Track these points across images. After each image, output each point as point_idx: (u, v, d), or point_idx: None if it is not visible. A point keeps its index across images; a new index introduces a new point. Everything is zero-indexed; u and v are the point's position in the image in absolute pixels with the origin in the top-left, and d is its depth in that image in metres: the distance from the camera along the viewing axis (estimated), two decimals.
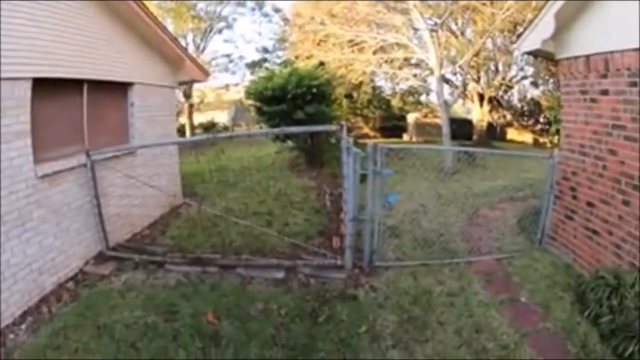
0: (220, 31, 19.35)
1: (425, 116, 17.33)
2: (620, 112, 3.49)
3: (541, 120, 15.32)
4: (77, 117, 4.21)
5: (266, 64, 15.90)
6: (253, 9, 19.94)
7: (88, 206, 4.22)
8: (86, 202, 4.20)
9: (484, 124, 14.73)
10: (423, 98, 18.52)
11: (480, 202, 6.49)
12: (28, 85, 3.35)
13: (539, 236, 4.55)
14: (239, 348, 2.94)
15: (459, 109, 20.74)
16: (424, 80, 13.94)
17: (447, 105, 10.50)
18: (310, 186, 7.48)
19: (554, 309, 3.21)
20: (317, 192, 7.04)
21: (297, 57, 11.63)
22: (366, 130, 18.09)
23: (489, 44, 12.21)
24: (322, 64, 9.72)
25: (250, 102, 9.67)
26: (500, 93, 15.26)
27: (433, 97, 17.88)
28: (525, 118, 16.68)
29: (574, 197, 4.12)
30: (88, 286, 3.80)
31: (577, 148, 4.11)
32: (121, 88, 5.02)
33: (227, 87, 21.36)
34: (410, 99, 17.89)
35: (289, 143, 9.52)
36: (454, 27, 12.27)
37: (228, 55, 20.33)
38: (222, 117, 22.76)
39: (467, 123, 15.77)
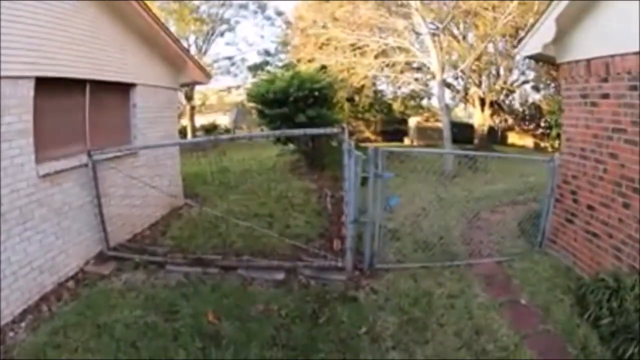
0: (222, 34, 19.49)
1: (427, 120, 17.36)
2: (621, 115, 3.50)
3: (542, 124, 15.35)
4: (79, 117, 4.23)
5: (268, 67, 15.99)
6: (255, 12, 20.10)
7: (89, 206, 4.24)
8: (87, 201, 4.21)
9: (485, 128, 14.76)
10: (424, 102, 18.61)
11: (481, 205, 6.49)
12: (31, 84, 3.37)
13: (539, 239, 4.55)
14: (239, 348, 2.93)
15: (460, 113, 20.80)
16: (426, 84, 14.00)
17: (448, 109, 10.53)
18: (311, 189, 7.49)
19: (554, 311, 3.21)
20: (318, 195, 7.05)
21: (299, 61, 11.68)
22: (367, 134, 18.13)
23: (491, 49, 12.25)
24: (324, 67, 9.76)
25: (252, 104, 9.70)
26: (502, 97, 15.30)
27: (434, 101, 17.97)
28: (527, 122, 16.71)
29: (575, 201, 4.13)
30: (88, 285, 3.80)
31: (577, 152, 4.11)
32: (123, 89, 5.05)
33: (229, 89, 21.44)
34: (412, 103, 17.95)
35: (290, 146, 9.54)
36: (455, 31, 12.33)
37: (230, 58, 20.44)
38: (223, 120, 22.87)
39: (469, 127, 15.81)
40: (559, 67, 4.45)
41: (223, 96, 22.27)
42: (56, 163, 3.76)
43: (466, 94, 14.50)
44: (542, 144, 14.35)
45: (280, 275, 4.02)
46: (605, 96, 3.69)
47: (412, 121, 18.04)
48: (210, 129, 19.84)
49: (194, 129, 18.97)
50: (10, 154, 3.20)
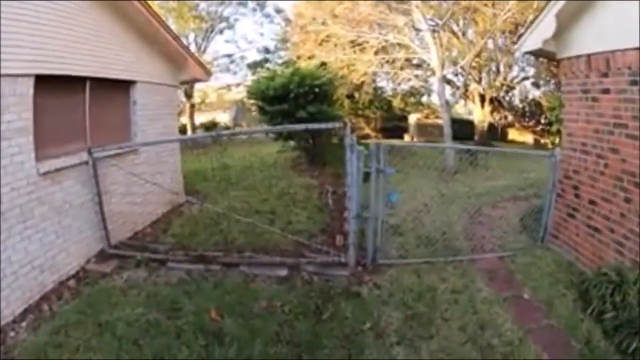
0: (221, 31, 19.40)
1: (427, 117, 17.34)
2: (622, 110, 3.50)
3: (542, 120, 15.35)
4: (79, 114, 4.21)
5: (268, 65, 15.91)
6: (254, 10, 20.00)
7: (90, 204, 4.22)
8: (88, 199, 4.19)
9: (485, 124, 14.75)
10: (424, 99, 18.57)
11: (483, 201, 6.49)
12: (30, 82, 3.35)
13: (541, 234, 4.55)
14: (242, 345, 2.92)
15: (460, 110, 20.78)
16: (426, 81, 13.97)
17: (448, 105, 10.51)
18: (312, 185, 7.47)
19: (557, 306, 3.21)
20: (320, 191, 7.03)
21: (298, 58, 11.64)
22: (367, 130, 18.09)
23: (490, 45, 12.22)
24: (323, 64, 9.72)
25: (252, 101, 9.67)
26: (502, 94, 15.28)
27: (434, 98, 17.95)
28: (527, 119, 16.70)
29: (576, 195, 4.13)
30: (89, 284, 3.79)
31: (578, 147, 4.11)
32: (123, 86, 5.02)
33: (228, 87, 21.37)
34: (412, 99, 17.92)
35: (291, 143, 9.51)
36: (455, 28, 12.29)
37: (229, 56, 20.37)
38: (223, 118, 22.80)
39: (469, 124, 15.80)
40: (559, 63, 4.44)
41: (223, 94, 22.20)
42: (56, 161, 3.74)
43: (466, 90, 14.49)
44: (543, 141, 14.34)
45: (283, 272, 4.01)
46: (606, 91, 3.68)
47: (412, 118, 18.02)
48: (210, 126, 19.75)
49: (193, 127, 18.91)
50: (10, 152, 3.18)
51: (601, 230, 3.69)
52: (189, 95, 18.51)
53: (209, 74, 6.90)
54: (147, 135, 5.38)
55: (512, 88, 15.69)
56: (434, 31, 9.47)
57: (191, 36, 17.90)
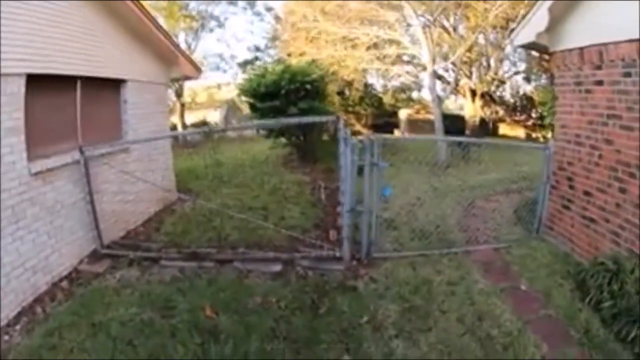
0: (211, 30, 19.22)
1: (417, 112, 17.38)
2: (615, 102, 3.53)
3: (533, 115, 15.47)
4: (70, 113, 4.13)
5: (258, 62, 15.82)
6: (245, 8, 19.85)
7: (81, 203, 4.14)
8: (80, 199, 4.11)
9: (477, 119, 14.81)
10: (415, 95, 18.59)
11: (476, 194, 6.52)
12: (22, 81, 3.28)
13: (536, 226, 4.58)
14: (238, 342, 2.88)
15: (451, 106, 20.87)
16: (416, 77, 13.98)
17: (440, 100, 10.53)
18: (304, 181, 7.45)
19: (554, 297, 3.23)
20: (312, 187, 7.00)
21: (289, 55, 11.56)
22: (358, 127, 18.03)
23: (481, 40, 12.28)
24: (314, 61, 9.67)
25: (243, 99, 9.59)
26: (493, 88, 15.36)
27: (425, 94, 18.02)
28: (518, 113, 16.83)
29: (571, 187, 4.16)
30: (82, 285, 3.72)
31: (572, 138, 4.14)
32: (114, 85, 4.94)
33: (218, 86, 21.20)
34: (402, 95, 17.93)
35: (282, 139, 9.46)
36: (446, 24, 12.31)
37: (220, 54, 20.21)
38: (214, 117, 22.61)
39: (460, 119, 15.84)
40: (552, 56, 4.46)
41: (213, 93, 22.01)
42: (48, 160, 3.66)
43: (457, 85, 14.54)
44: (534, 135, 14.49)
45: (277, 267, 3.98)
46: (600, 83, 3.71)
47: (403, 114, 18.05)
48: (201, 125, 19.59)
49: (184, 126, 18.70)
50: (1, 152, 3.10)
51: (596, 221, 3.73)
52: (179, 95, 18.33)
53: (199, 71, 6.82)
54: (139, 134, 5.30)
55: (503, 83, 15.79)
56: (425, 26, 9.47)
57: (181, 35, 17.73)
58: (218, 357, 2.75)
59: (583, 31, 3.81)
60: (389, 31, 10.04)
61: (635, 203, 3.25)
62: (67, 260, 3.88)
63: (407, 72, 13.34)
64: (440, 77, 13.71)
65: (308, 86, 8.13)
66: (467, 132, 15.06)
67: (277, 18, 17.67)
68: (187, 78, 7.18)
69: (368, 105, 16.90)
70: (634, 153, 3.29)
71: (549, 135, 10.24)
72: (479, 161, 8.80)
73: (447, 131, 10.29)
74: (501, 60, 14.43)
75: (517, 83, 17.00)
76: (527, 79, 16.14)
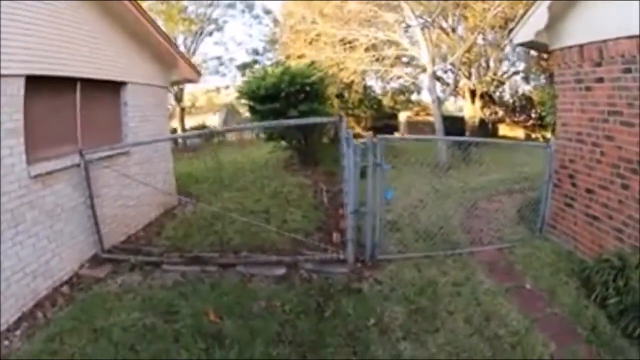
0: (210, 33, 19.28)
1: (417, 114, 17.42)
2: (616, 98, 3.53)
3: (533, 115, 15.49)
4: (70, 116, 4.11)
5: (257, 66, 15.86)
6: (243, 11, 19.95)
7: (82, 207, 4.11)
8: (80, 203, 4.08)
9: (476, 120, 14.84)
10: (414, 97, 18.64)
11: (478, 195, 6.51)
12: (21, 82, 3.26)
13: (539, 225, 4.57)
14: (243, 347, 2.85)
15: (451, 107, 20.92)
16: (415, 78, 13.99)
17: (440, 101, 10.52)
18: (306, 184, 7.42)
19: (559, 295, 3.21)
20: (314, 190, 6.98)
21: (288, 57, 11.57)
22: (358, 130, 18.08)
23: (480, 41, 12.31)
24: (313, 63, 9.69)
25: (243, 101, 9.59)
26: (492, 89, 15.38)
27: (424, 96, 18.06)
28: (517, 114, 16.85)
29: (573, 185, 4.15)
30: (83, 289, 3.68)
31: (574, 136, 4.14)
32: (114, 87, 4.92)
33: (217, 89, 21.23)
34: (401, 97, 17.98)
35: (283, 143, 9.46)
36: (445, 25, 12.35)
37: (218, 58, 20.25)
38: (213, 120, 22.64)
39: (459, 120, 15.88)
40: (551, 54, 4.47)
41: (212, 97, 22.04)
42: (48, 163, 3.63)
43: (456, 86, 14.56)
44: (534, 135, 14.50)
45: (281, 271, 3.94)
46: (600, 80, 3.71)
47: (402, 116, 18.10)
48: (200, 130, 19.60)
49: (184, 131, 18.71)
50: (0, 154, 3.07)
51: (600, 218, 3.71)
52: (179, 99, 18.34)
53: (198, 73, 6.82)
54: (139, 137, 5.27)
55: (502, 83, 15.82)
56: (424, 27, 9.49)
57: (180, 38, 17.76)
58: None
59: (582, 28, 3.81)
60: (388, 32, 10.06)
61: (638, 199, 3.24)
62: (67, 264, 3.85)
63: (407, 74, 13.35)
64: (439, 79, 13.74)
65: (308, 88, 8.14)
66: (467, 133, 15.08)
67: (276, 21, 17.76)
68: (187, 81, 7.18)
69: (367, 107, 16.95)
70: (636, 149, 3.29)
71: (549, 135, 10.24)
72: (479, 162, 8.81)
73: (447, 132, 10.28)
74: (500, 61, 14.47)
75: (516, 83, 17.05)
76: (526, 79, 16.18)
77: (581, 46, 3.87)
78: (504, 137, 16.87)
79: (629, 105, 3.39)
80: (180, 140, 16.79)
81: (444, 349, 2.71)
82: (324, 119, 4.26)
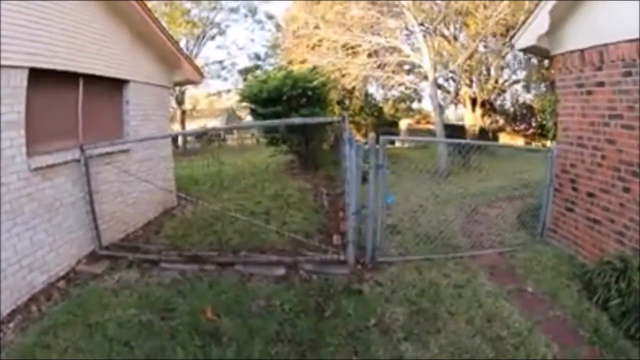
0: (213, 37, 19.44)
1: (418, 122, 17.51)
2: (617, 102, 3.55)
3: (533, 124, 15.58)
4: (72, 111, 4.10)
5: (259, 71, 15.95)
6: (246, 16, 20.14)
7: (81, 203, 4.08)
8: (79, 198, 4.05)
9: (477, 128, 14.92)
10: (415, 105, 18.77)
11: (478, 201, 6.50)
12: (24, 74, 3.25)
13: (539, 230, 4.55)
14: (241, 345, 2.80)
15: (450, 116, 21.05)
16: (416, 85, 14.08)
17: (441, 108, 10.58)
18: (306, 188, 7.41)
19: (561, 297, 3.19)
20: (314, 193, 6.97)
21: (290, 62, 11.66)
22: (358, 137, 18.16)
23: (482, 48, 12.42)
24: (315, 68, 9.76)
25: (245, 104, 9.62)
26: (493, 97, 15.48)
27: (425, 104, 18.18)
28: (518, 122, 16.95)
29: (574, 189, 4.14)
30: (80, 285, 3.63)
31: (575, 140, 4.15)
32: (117, 85, 4.92)
33: (219, 94, 21.33)
34: (403, 105, 18.09)
35: (283, 147, 9.47)
36: (446, 32, 12.49)
37: (220, 62, 20.38)
38: (214, 125, 22.67)
39: (460, 129, 15.97)
40: (553, 59, 4.51)
41: (213, 101, 22.13)
42: (48, 157, 3.61)
43: (457, 94, 14.66)
44: (534, 144, 14.58)
45: (281, 271, 3.90)
46: (601, 84, 3.74)
47: (403, 124, 18.19)
48: (201, 134, 19.58)
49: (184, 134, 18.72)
50: (1, 146, 3.06)
51: (601, 222, 3.70)
52: (180, 102, 18.40)
53: (201, 75, 6.84)
54: (140, 136, 5.26)
55: (504, 91, 15.94)
56: (426, 34, 9.59)
57: (182, 41, 17.90)
58: None
59: (583, 33, 3.85)
60: (390, 39, 10.15)
61: (638, 201, 3.24)
62: (64, 259, 3.81)
63: (408, 82, 13.44)
64: (440, 87, 13.85)
65: (310, 93, 8.18)
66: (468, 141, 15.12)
67: (278, 26, 17.92)
68: (190, 82, 7.19)
69: (368, 114, 17.02)
70: (636, 152, 3.30)
71: (549, 144, 10.27)
72: (479, 169, 8.83)
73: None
74: (502, 68, 14.60)
75: (516, 92, 17.18)
76: (527, 88, 16.31)
77: (582, 51, 3.91)
78: (504, 145, 16.94)
79: (629, 108, 3.41)
80: (180, 144, 16.81)
81: (446, 350, 2.67)
82: (327, 119, 4.25)
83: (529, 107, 16.10)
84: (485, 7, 9.40)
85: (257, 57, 20.49)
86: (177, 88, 17.27)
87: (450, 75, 12.88)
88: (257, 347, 2.78)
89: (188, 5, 17.00)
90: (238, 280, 3.76)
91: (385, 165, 3.90)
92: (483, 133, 15.70)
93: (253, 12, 19.86)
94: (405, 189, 7.01)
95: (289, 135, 8.59)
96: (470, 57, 11.30)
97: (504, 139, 17.41)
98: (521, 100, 17.21)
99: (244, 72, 18.97)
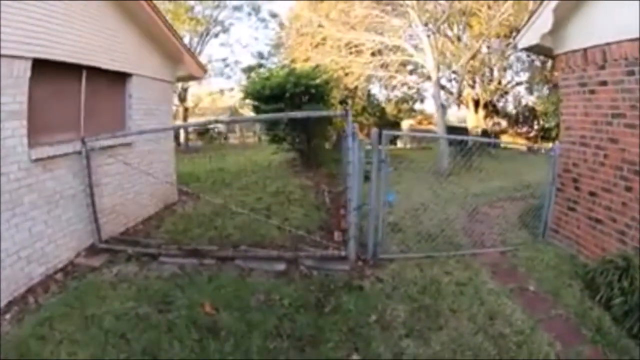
0: (216, 35, 19.42)
1: (420, 123, 17.48)
2: (619, 101, 3.54)
3: (536, 127, 15.55)
4: (74, 103, 4.08)
5: (262, 69, 15.97)
6: (250, 14, 20.12)
7: (81, 196, 4.06)
8: (79, 191, 4.03)
9: (479, 130, 14.88)
10: (417, 106, 18.75)
11: (479, 201, 6.48)
12: (28, 64, 3.24)
13: (541, 230, 4.53)
14: (239, 339, 2.77)
15: (452, 118, 21.03)
16: (419, 85, 14.07)
17: (444, 108, 10.55)
18: (308, 185, 7.39)
19: (564, 296, 3.16)
20: (315, 191, 6.95)
21: (293, 61, 11.65)
22: (360, 137, 18.12)
23: (485, 49, 12.40)
24: (318, 66, 9.75)
25: (247, 101, 9.62)
26: (496, 98, 15.46)
27: (427, 106, 18.16)
28: (520, 125, 16.91)
29: (576, 188, 4.12)
30: (78, 278, 3.61)
31: (577, 139, 4.13)
32: (120, 78, 4.90)
33: (221, 92, 21.31)
34: (405, 106, 18.07)
35: (285, 145, 9.46)
36: (449, 33, 12.47)
37: (224, 60, 20.36)
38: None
39: (462, 130, 15.94)
40: (556, 58, 4.49)
41: (216, 98, 22.12)
42: (49, 148, 3.59)
43: (460, 95, 14.63)
44: (536, 147, 14.55)
45: (281, 266, 3.87)
46: (603, 83, 3.72)
47: (405, 124, 18.19)
48: (203, 132, 19.61)
49: (186, 132, 18.73)
50: (2, 135, 3.04)
51: (603, 221, 3.68)
52: (182, 99, 18.39)
53: (204, 70, 6.83)
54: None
55: (506, 93, 15.92)
56: (429, 34, 9.56)
57: (186, 39, 17.91)
58: (217, 353, 2.64)
59: (586, 32, 3.84)
60: (394, 38, 10.13)
61: None
62: (63, 252, 3.78)
63: (411, 81, 13.42)
64: (443, 88, 13.83)
65: (312, 90, 8.17)
66: (470, 143, 15.08)
67: (282, 24, 17.90)
68: (193, 78, 7.18)
69: (370, 115, 16.99)
70: (639, 151, 3.28)
71: (550, 146, 10.24)
72: (479, 169, 8.81)
73: (450, 142, 10.29)
74: (504, 69, 14.58)
75: (519, 94, 17.15)
76: (530, 90, 16.27)
77: (585, 50, 3.89)
78: (506, 148, 16.93)
79: (632, 107, 3.39)
80: (182, 141, 16.81)
81: (448, 347, 2.64)
82: (331, 113, 4.23)
83: (532, 110, 16.06)
84: (489, 7, 9.40)
85: (261, 55, 20.48)
86: (180, 85, 17.30)
87: (453, 76, 12.86)
88: (256, 342, 2.75)
89: (192, 2, 17.01)
90: (238, 274, 3.73)
91: (388, 162, 3.88)
92: (485, 135, 15.66)
93: (257, 10, 19.86)
94: (407, 188, 7.00)
95: (291, 132, 8.57)
96: (473, 57, 11.27)
97: (506, 141, 17.38)
98: (524, 102, 17.20)
99: (247, 70, 18.92)
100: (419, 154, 13.12)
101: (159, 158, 5.77)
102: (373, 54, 10.21)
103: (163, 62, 5.79)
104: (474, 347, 2.62)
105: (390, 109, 17.49)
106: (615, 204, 3.55)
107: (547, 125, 11.49)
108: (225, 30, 19.54)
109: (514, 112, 17.43)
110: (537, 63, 13.22)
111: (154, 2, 5.02)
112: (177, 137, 16.95)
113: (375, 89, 16.75)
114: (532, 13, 4.43)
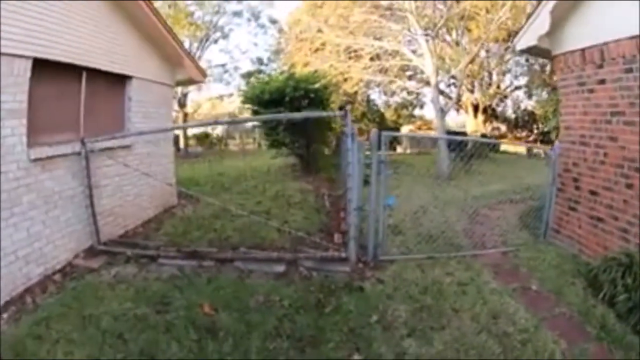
0: (216, 41, 19.55)
1: (419, 128, 17.52)
2: (618, 99, 3.55)
3: (535, 131, 15.58)
4: (74, 104, 4.08)
5: (261, 75, 16.09)
6: (249, 20, 20.28)
7: (80, 197, 4.04)
8: (78, 192, 4.02)
9: (478, 134, 14.91)
10: (416, 111, 18.83)
11: (480, 203, 6.46)
12: (28, 64, 3.25)
13: (542, 230, 4.51)
14: (238, 340, 2.74)
15: (451, 123, 21.12)
16: (418, 90, 14.15)
17: (443, 113, 10.57)
18: (307, 189, 7.38)
19: (566, 295, 3.13)
20: (315, 194, 6.94)
21: (292, 66, 11.73)
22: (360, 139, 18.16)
23: (484, 53, 12.49)
24: (317, 71, 9.81)
25: (247, 106, 9.65)
26: (495, 102, 15.52)
27: (426, 111, 18.23)
28: (519, 129, 16.94)
29: (577, 188, 4.11)
30: (76, 278, 3.58)
31: (577, 139, 4.13)
32: (120, 81, 4.92)
33: (221, 97, 21.39)
34: (404, 111, 18.15)
35: (285, 150, 9.47)
36: (448, 38, 12.58)
37: (223, 65, 20.45)
38: (216, 129, 22.73)
39: (462, 135, 15.99)
40: (554, 59, 4.51)
41: (215, 104, 22.20)
42: (48, 148, 3.59)
43: (459, 100, 14.68)
44: (535, 151, 14.58)
45: (280, 268, 3.84)
46: (602, 82, 3.74)
47: (405, 130, 18.22)
48: (202, 137, 19.65)
49: (186, 138, 18.76)
50: (1, 134, 3.04)
51: (604, 220, 3.66)
52: (182, 105, 18.45)
53: (204, 75, 6.85)
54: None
55: (505, 97, 15.99)
56: (427, 39, 9.63)
57: (186, 44, 18.03)
58: (216, 354, 2.60)
59: (584, 32, 3.87)
60: (392, 42, 10.20)
61: None
62: (61, 253, 3.75)
63: (410, 87, 13.49)
64: (442, 93, 13.89)
65: (312, 95, 8.20)
66: (469, 147, 15.11)
67: (281, 30, 18.03)
68: (192, 82, 7.20)
69: (370, 120, 17.06)
70: (639, 148, 3.28)
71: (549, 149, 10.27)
72: (479, 171, 8.81)
73: (449, 146, 10.31)
74: (503, 73, 14.66)
75: (518, 98, 17.20)
76: (529, 94, 16.33)
77: (583, 50, 3.92)
78: (505, 152, 16.97)
79: (631, 104, 3.40)
80: (182, 147, 16.83)
81: (451, 346, 2.60)
82: (330, 113, 4.24)
83: (531, 114, 16.11)
84: (487, 11, 9.49)
85: (260, 61, 20.61)
86: (180, 90, 17.36)
87: (452, 81, 12.93)
88: (255, 342, 2.72)
89: (192, 7, 17.16)
90: (237, 276, 3.70)
91: (387, 164, 3.87)
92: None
93: (256, 16, 20.03)
94: (407, 192, 6.99)
95: (290, 137, 8.59)
96: (472, 61, 11.34)
97: (505, 146, 17.40)
98: (523, 106, 17.26)
99: (247, 76, 19.04)
100: (419, 159, 13.14)
101: (158, 161, 5.76)
102: (372, 59, 10.27)
103: (163, 65, 5.82)
104: (478, 346, 2.58)
105: (389, 115, 17.58)
106: (616, 202, 3.54)
107: (546, 129, 11.52)
108: (225, 36, 19.71)
109: (513, 116, 17.48)
110: (536, 67, 13.31)
111: (154, 5, 5.06)
112: (176, 142, 17.00)
113: (374, 94, 16.86)
114: (530, 15, 4.47)
